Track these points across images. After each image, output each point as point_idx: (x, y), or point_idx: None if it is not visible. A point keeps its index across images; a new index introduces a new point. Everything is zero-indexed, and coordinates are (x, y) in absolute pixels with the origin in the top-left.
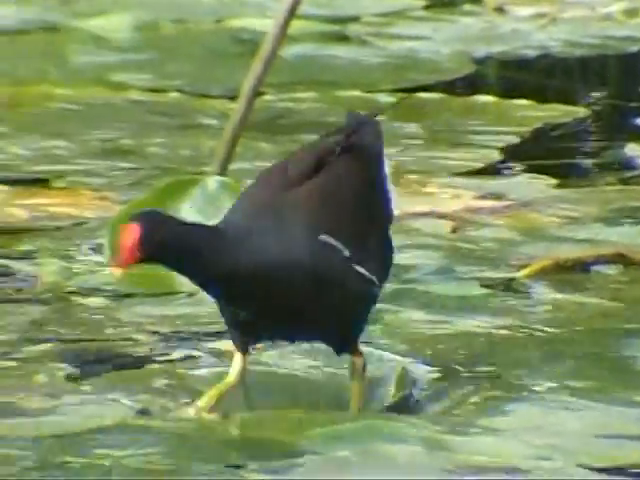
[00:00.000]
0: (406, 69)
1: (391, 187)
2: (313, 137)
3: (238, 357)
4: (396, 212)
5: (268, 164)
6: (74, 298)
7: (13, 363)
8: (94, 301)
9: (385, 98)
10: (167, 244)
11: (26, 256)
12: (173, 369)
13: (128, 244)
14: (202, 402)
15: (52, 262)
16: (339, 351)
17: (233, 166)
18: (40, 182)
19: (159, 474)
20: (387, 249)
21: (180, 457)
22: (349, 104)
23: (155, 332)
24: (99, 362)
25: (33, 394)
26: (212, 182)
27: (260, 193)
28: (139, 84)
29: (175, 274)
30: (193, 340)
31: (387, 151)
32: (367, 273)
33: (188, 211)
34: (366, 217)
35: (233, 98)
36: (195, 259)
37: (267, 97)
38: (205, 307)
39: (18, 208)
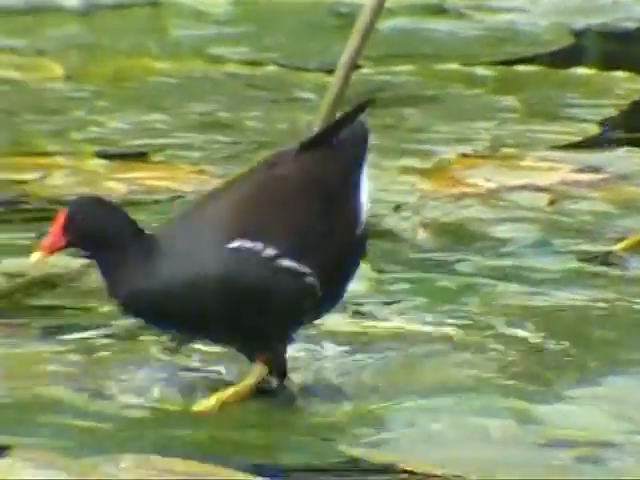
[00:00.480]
0: (504, 42)
1: (363, 197)
2: (410, 111)
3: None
4: (492, 185)
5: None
6: None
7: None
8: None
9: (483, 71)
10: (87, 231)
11: None
12: None
13: (53, 229)
14: (214, 399)
15: None
16: (253, 358)
17: None
18: (139, 156)
19: None
20: (345, 250)
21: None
22: (447, 77)
23: None
24: None
25: None
26: None
27: (202, 204)
28: (237, 57)
29: None
30: None
31: (485, 124)
32: (299, 266)
33: None
34: (314, 218)
35: (330, 71)
36: (110, 251)
37: (364, 70)
38: None
39: (117, 182)
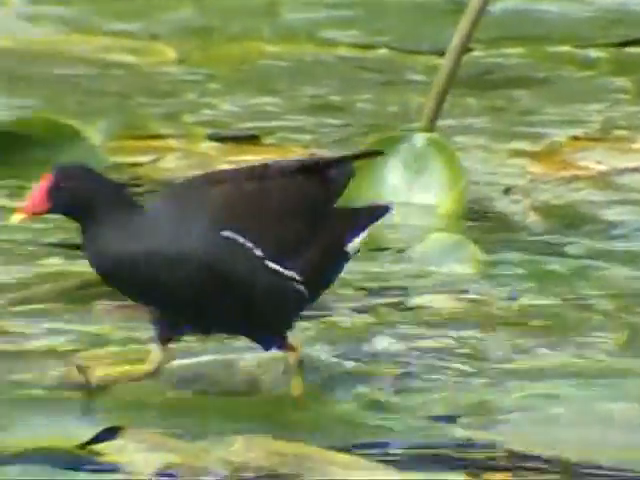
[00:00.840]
0: (616, 23)
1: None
2: (521, 93)
3: (157, 348)
4: (604, 168)
5: (476, 120)
6: None
7: None
8: None
9: (594, 53)
10: (71, 197)
11: None
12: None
13: (37, 192)
14: (104, 373)
15: None
16: (265, 348)
17: (441, 122)
18: (250, 139)
19: None
20: (329, 266)
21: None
22: (558, 59)
23: (362, 288)
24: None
25: None
26: (419, 138)
27: (194, 186)
28: (348, 40)
29: (385, 230)
30: (399, 296)
31: (597, 106)
32: (284, 270)
33: (395, 167)
34: (306, 232)
35: (442, 54)
36: (94, 218)
37: (475, 53)
38: (413, 264)
39: (228, 164)
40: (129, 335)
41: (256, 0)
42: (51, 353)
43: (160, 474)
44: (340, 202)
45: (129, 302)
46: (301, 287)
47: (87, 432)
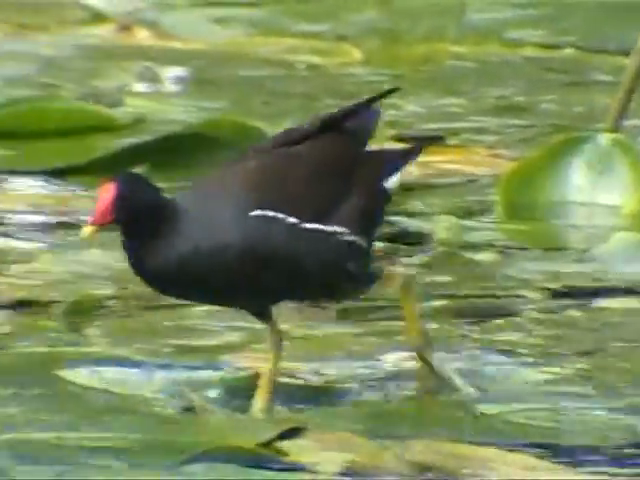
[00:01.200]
0: None
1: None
2: None
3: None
4: None
5: None
6: (465, 254)
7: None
8: (485, 256)
9: None
10: (135, 209)
11: (419, 213)
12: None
13: (102, 205)
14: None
15: (446, 219)
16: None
17: (627, 123)
18: (434, 139)
19: None
20: (372, 209)
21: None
22: None
23: (545, 289)
24: (487, 317)
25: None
26: (604, 139)
27: (218, 176)
28: (534, 40)
29: (567, 230)
30: (583, 297)
31: None
32: (325, 227)
33: (579, 167)
34: (340, 185)
35: (627, 54)
36: (145, 229)
37: None
38: (597, 264)
39: (411, 165)
40: (309, 332)
41: (443, 1)
42: (225, 348)
43: (343, 474)
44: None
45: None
46: (350, 237)
47: (268, 432)
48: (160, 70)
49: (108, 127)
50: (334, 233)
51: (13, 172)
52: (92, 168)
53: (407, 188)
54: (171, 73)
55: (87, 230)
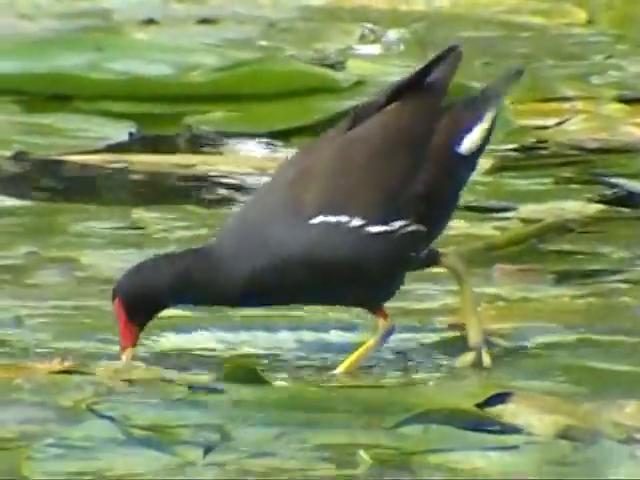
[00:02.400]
0: None
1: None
2: None
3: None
4: None
5: None
6: None
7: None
8: None
9: None
10: (154, 302)
11: None
12: None
13: (120, 324)
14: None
15: None
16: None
17: None
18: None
19: None
20: (447, 183)
21: None
22: None
23: None
24: None
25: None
26: None
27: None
28: None
29: None
30: None
31: None
32: (391, 226)
33: None
34: (401, 175)
35: None
36: (191, 290)
37: None
38: None
39: (634, 126)
40: (526, 295)
41: None
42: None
43: (562, 436)
44: None
45: (528, 266)
46: (414, 227)
47: (479, 395)
48: (381, 32)
49: (330, 89)
50: (398, 229)
51: (236, 134)
52: (314, 130)
53: (629, 150)
54: (392, 35)
55: (125, 358)
